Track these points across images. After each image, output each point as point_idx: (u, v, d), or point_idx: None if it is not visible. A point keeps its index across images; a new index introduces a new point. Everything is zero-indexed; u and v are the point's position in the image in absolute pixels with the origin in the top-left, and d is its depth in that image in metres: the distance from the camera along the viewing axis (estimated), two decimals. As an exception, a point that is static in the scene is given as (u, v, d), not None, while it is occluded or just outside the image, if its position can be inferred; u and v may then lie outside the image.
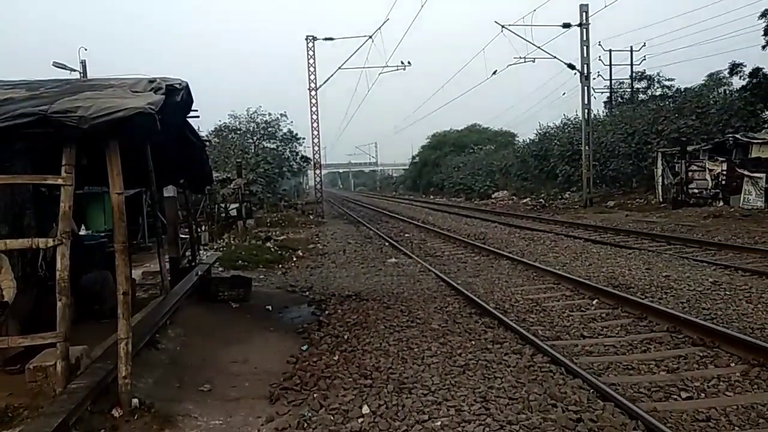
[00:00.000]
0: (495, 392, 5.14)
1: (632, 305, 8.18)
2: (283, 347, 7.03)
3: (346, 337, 7.22)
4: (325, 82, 33.30)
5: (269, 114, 43.51)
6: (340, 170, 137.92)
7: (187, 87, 5.85)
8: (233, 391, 5.50)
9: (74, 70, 27.26)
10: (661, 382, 5.47)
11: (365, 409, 4.84)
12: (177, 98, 5.54)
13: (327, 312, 8.69)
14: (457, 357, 6.20)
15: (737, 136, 22.71)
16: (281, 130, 44.15)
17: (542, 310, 8.45)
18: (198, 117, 10.59)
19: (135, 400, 4.59)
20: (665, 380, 5.51)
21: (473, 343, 6.78)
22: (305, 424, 4.65)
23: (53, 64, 26.22)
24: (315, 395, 5.27)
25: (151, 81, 5.65)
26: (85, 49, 29.58)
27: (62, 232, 4.36)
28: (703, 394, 5.16)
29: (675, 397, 5.14)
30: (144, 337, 5.88)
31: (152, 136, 5.42)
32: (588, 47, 28.45)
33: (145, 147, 6.97)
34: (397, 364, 6.01)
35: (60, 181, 4.33)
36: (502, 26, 27.41)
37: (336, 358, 6.37)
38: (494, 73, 31.73)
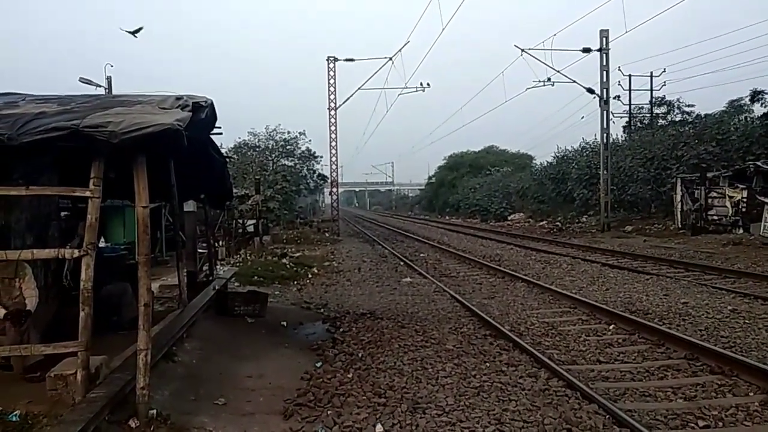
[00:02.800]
0: (510, 415, 5.13)
1: (650, 331, 8.10)
2: (297, 363, 7.05)
3: (360, 355, 7.23)
4: (344, 102, 33.71)
5: (288, 132, 44.06)
6: (356, 189, 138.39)
7: (212, 105, 6.00)
8: (248, 406, 5.53)
9: (100, 86, 27.86)
10: (678, 409, 5.41)
11: (379, 428, 4.85)
12: (202, 115, 5.67)
13: (341, 329, 8.72)
14: (472, 378, 6.19)
15: (758, 163, 22.44)
16: (299, 148, 44.65)
17: (558, 333, 8.40)
18: (221, 134, 10.77)
19: (152, 412, 4.64)
20: (682, 408, 5.45)
21: (488, 365, 6.76)
22: (318, 441, 4.67)
23: (79, 80, 26.83)
24: (329, 412, 5.29)
25: (178, 98, 5.79)
26: (111, 66, 30.29)
27: (88, 243, 4.47)
28: (720, 423, 5.09)
29: (692, 425, 5.08)
30: (161, 350, 5.95)
31: (178, 152, 5.54)
32: (608, 72, 28.48)
33: (168, 162, 7.11)
34: (412, 384, 6.01)
35: (88, 194, 4.45)
36: (522, 50, 27.58)
37: (350, 375, 6.38)
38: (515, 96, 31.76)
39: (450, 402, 5.43)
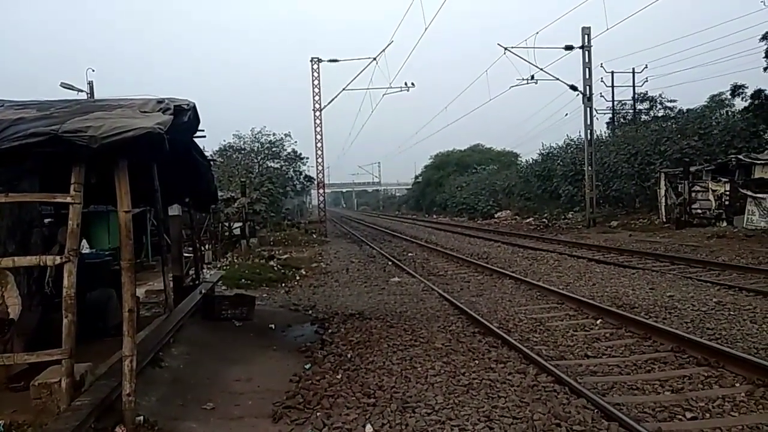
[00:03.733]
0: (499, 411, 5.13)
1: (636, 325, 8.16)
2: (286, 366, 7.01)
3: (349, 356, 7.21)
4: (329, 103, 33.69)
5: (273, 134, 43.84)
6: (343, 190, 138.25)
7: (194, 108, 5.94)
8: (236, 410, 5.48)
9: (81, 91, 27.54)
10: (666, 402, 5.45)
11: (368, 428, 4.83)
12: (184, 119, 5.61)
13: (330, 331, 8.68)
14: (461, 376, 6.19)
15: (740, 156, 22.75)
16: (285, 149, 44.46)
17: (546, 329, 8.44)
18: (204, 137, 10.68)
19: (139, 418, 4.59)
20: (670, 400, 5.49)
21: (477, 362, 6.77)
22: (308, 443, 4.64)
23: (60, 85, 26.52)
24: (318, 414, 5.26)
25: (160, 101, 5.73)
26: (93, 71, 29.83)
27: (70, 249, 4.41)
28: (708, 414, 5.13)
29: (680, 417, 5.12)
30: (148, 355, 5.89)
31: (160, 156, 5.48)
32: (590, 69, 28.69)
33: (151, 166, 7.04)
34: (401, 383, 6.00)
35: (69, 200, 4.39)
36: (505, 48, 27.71)
37: (339, 376, 6.36)
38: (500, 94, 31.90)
39: (439, 400, 5.42)
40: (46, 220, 8.90)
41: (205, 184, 9.10)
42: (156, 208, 8.01)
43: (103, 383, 4.77)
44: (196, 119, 6.12)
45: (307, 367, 6.85)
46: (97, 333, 7.32)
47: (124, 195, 4.56)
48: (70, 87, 26.82)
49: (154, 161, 6.30)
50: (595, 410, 5.16)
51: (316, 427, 4.93)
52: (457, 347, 7.46)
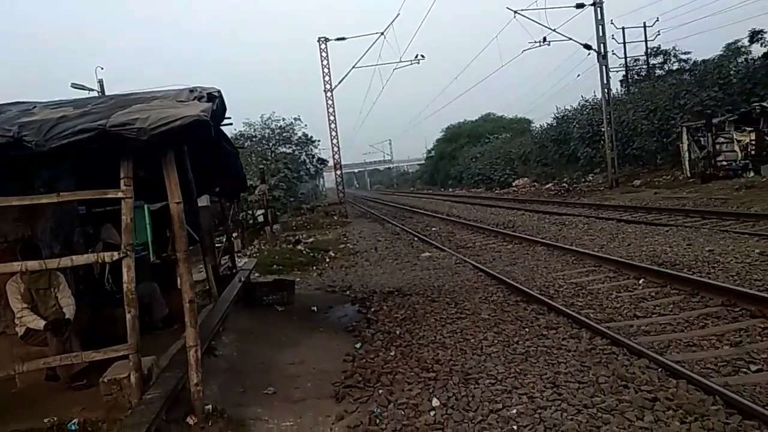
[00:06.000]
0: (563, 377, 5.10)
1: (681, 282, 8.05)
2: (335, 346, 7.03)
3: (398, 332, 7.21)
4: (340, 83, 33.46)
5: (283, 119, 43.73)
6: (356, 170, 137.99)
7: (221, 95, 5.88)
8: (297, 393, 5.51)
9: (92, 90, 27.56)
10: (727, 356, 5.39)
11: (435, 402, 4.82)
12: (214, 107, 5.57)
13: (373, 309, 8.68)
14: (516, 345, 6.16)
15: (764, 104, 22.21)
16: (296, 134, 44.37)
17: (588, 293, 8.36)
18: (231, 124, 10.62)
19: (207, 407, 4.62)
20: (730, 354, 5.43)
21: (527, 330, 6.74)
22: (377, 420, 4.65)
23: (71, 85, 26.57)
24: (380, 391, 5.27)
25: (192, 90, 5.68)
26: (102, 68, 29.82)
27: (126, 244, 4.41)
28: (773, 366, 5.06)
29: (744, 370, 5.06)
30: (202, 345, 5.91)
31: (207, 144, 5.45)
32: (603, 26, 28.07)
33: (184, 157, 7.02)
34: (457, 356, 5.99)
35: (120, 194, 4.37)
36: (515, 11, 27.19)
37: (393, 353, 6.36)
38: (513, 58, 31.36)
39: (501, 370, 5.40)
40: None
41: (235, 172, 9.08)
42: (191, 199, 7.99)
43: (168, 375, 4.80)
44: (223, 106, 6.05)
45: (358, 346, 6.86)
46: (144, 327, 7.38)
47: (174, 186, 4.54)
48: (82, 87, 26.86)
49: (202, 149, 6.24)
50: (659, 369, 5.11)
51: (381, 405, 4.94)
52: (504, 317, 7.43)
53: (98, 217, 8.45)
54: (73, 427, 4.32)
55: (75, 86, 27.11)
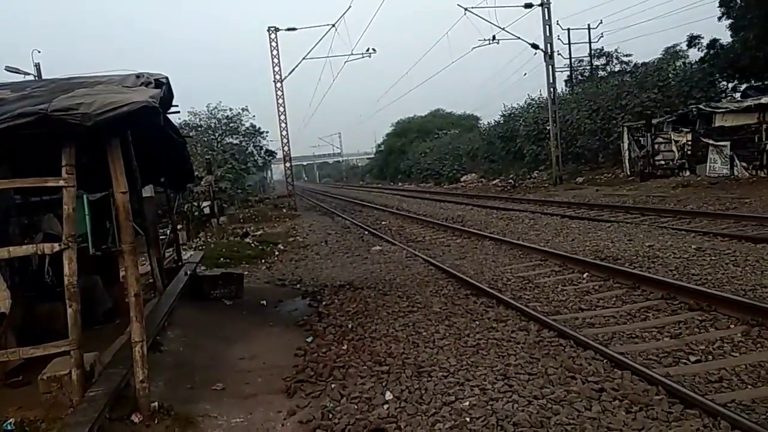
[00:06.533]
0: (513, 369, 5.18)
1: (623, 276, 8.32)
2: (287, 341, 6.94)
3: (350, 326, 7.16)
4: (289, 74, 33.06)
5: (230, 109, 42.80)
6: (305, 162, 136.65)
7: (168, 82, 5.68)
8: (247, 388, 5.41)
9: (28, 74, 26.19)
10: (667, 348, 5.59)
11: (388, 395, 4.80)
12: (161, 93, 5.37)
13: (324, 303, 8.60)
14: (467, 338, 6.22)
15: (700, 106, 23.28)
16: (243, 124, 43.53)
17: (536, 286, 8.54)
18: (178, 113, 10.28)
19: (153, 404, 4.47)
20: (671, 346, 5.63)
21: (478, 323, 6.81)
22: (330, 415, 4.60)
23: (6, 69, 25.16)
24: (332, 385, 5.22)
25: (138, 76, 5.49)
26: (39, 52, 28.22)
27: (68, 235, 4.19)
28: (710, 357, 5.28)
29: (684, 361, 5.26)
30: (148, 340, 5.70)
31: (153, 131, 5.24)
32: (550, 26, 28.83)
33: (128, 145, 6.74)
34: (410, 349, 5.99)
35: (62, 183, 4.15)
36: (465, 9, 27.50)
37: (345, 347, 6.31)
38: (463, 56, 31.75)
39: (453, 363, 5.44)
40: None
41: (182, 162, 8.81)
42: (135, 189, 7.70)
43: (112, 372, 4.62)
44: (170, 93, 5.84)
45: (309, 340, 6.79)
46: (86, 322, 7.08)
47: (119, 175, 4.34)
48: (16, 71, 25.47)
49: (148, 137, 6.00)
50: (605, 360, 5.26)
51: (334, 399, 4.89)
52: (455, 310, 7.49)
53: (35, 206, 8.05)
54: (9, 427, 4.09)
55: (9, 69, 25.68)
